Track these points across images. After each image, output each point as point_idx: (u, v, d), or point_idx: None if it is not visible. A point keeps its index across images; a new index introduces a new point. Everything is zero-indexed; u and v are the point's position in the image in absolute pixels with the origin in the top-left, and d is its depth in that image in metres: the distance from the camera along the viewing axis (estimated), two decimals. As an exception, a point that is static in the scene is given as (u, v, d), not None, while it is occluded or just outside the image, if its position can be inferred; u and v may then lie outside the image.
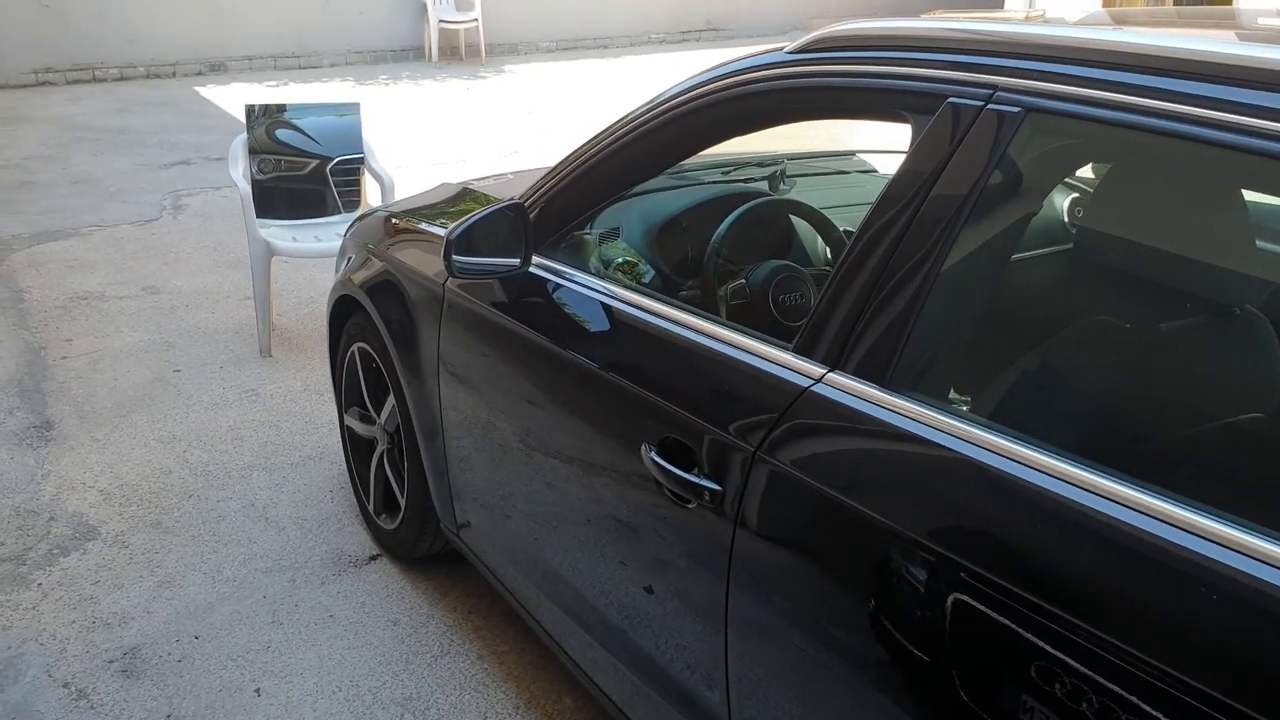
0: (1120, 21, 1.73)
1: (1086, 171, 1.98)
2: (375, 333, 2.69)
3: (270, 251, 4.14)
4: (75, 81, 9.77)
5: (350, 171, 4.65)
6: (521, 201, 2.13)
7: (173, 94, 9.43)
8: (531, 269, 2.10)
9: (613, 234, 2.27)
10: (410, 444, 2.63)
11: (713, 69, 1.90)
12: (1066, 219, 2.24)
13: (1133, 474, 1.14)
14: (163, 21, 10.03)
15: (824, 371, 1.48)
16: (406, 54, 11.14)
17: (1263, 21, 1.65)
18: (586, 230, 2.21)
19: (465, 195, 2.87)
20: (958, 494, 1.28)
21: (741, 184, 2.53)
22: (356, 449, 3.05)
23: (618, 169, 2.04)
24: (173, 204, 6.23)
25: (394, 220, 2.82)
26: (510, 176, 3.29)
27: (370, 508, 2.97)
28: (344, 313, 2.94)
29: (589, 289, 1.99)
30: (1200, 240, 1.52)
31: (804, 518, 1.45)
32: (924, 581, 1.26)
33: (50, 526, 3.04)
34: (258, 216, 4.41)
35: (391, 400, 2.72)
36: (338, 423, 3.16)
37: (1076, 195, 2.25)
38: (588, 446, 1.90)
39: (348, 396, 3.04)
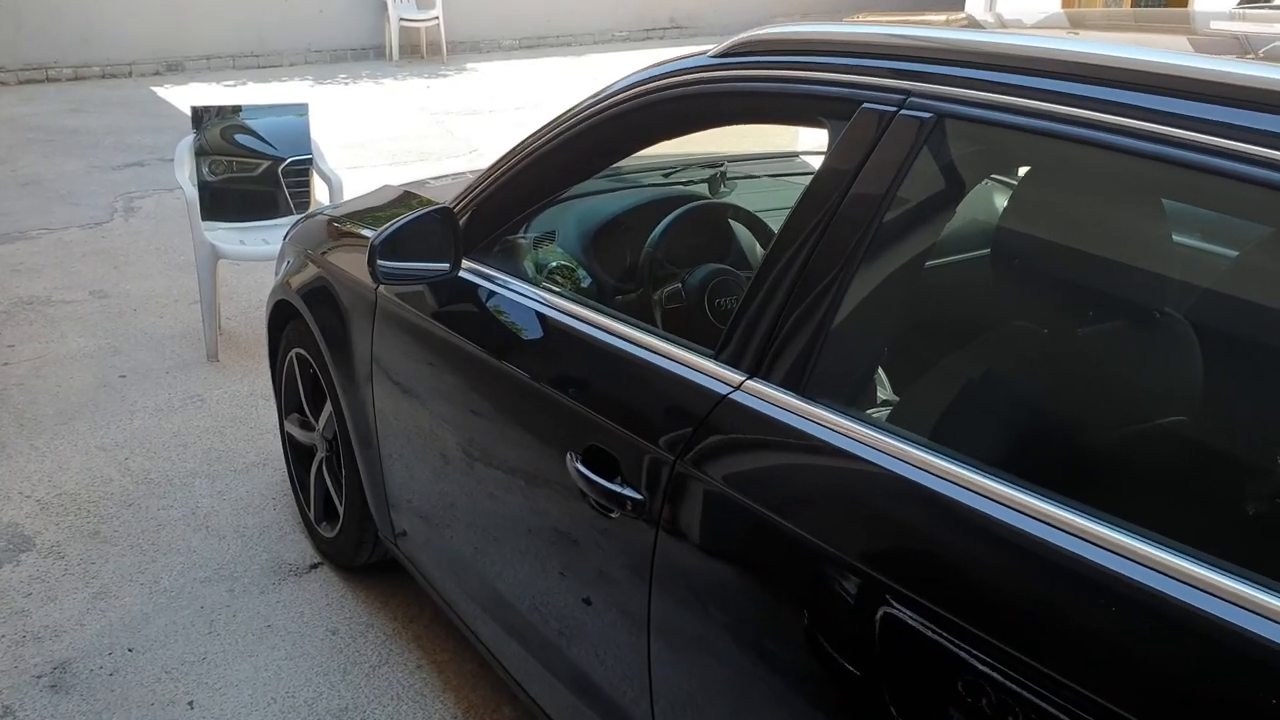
0: (1076, 24, 1.73)
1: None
2: (312, 339, 2.65)
3: (216, 255, 4.08)
4: (28, 81, 9.62)
5: (299, 174, 4.60)
6: (451, 206, 2.10)
7: (129, 94, 9.31)
8: (462, 274, 2.07)
9: (548, 238, 2.25)
10: (347, 451, 2.59)
11: (642, 71, 1.88)
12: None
13: (1051, 483, 1.13)
14: (119, 20, 9.90)
15: (743, 379, 1.46)
16: (367, 53, 11.05)
17: (1215, 25, 1.64)
18: (520, 234, 2.18)
19: (406, 199, 2.84)
20: (867, 503, 1.26)
21: (680, 187, 2.52)
22: (297, 455, 3.01)
23: (551, 171, 2.02)
24: (124, 206, 6.14)
25: (333, 223, 2.78)
26: (450, 179, 3.26)
27: (310, 515, 2.93)
28: (283, 317, 2.90)
29: (520, 295, 1.97)
30: (1118, 244, 1.52)
31: (723, 527, 1.43)
32: (838, 591, 1.24)
33: (-16, 538, 2.98)
34: (208, 219, 4.35)
35: (329, 407, 2.69)
36: (279, 428, 3.12)
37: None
38: (519, 455, 1.88)
39: (287, 402, 3.00)
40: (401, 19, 10.73)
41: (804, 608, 1.29)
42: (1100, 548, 1.05)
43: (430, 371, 2.14)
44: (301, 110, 4.47)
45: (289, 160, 4.56)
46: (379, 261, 1.98)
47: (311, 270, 2.70)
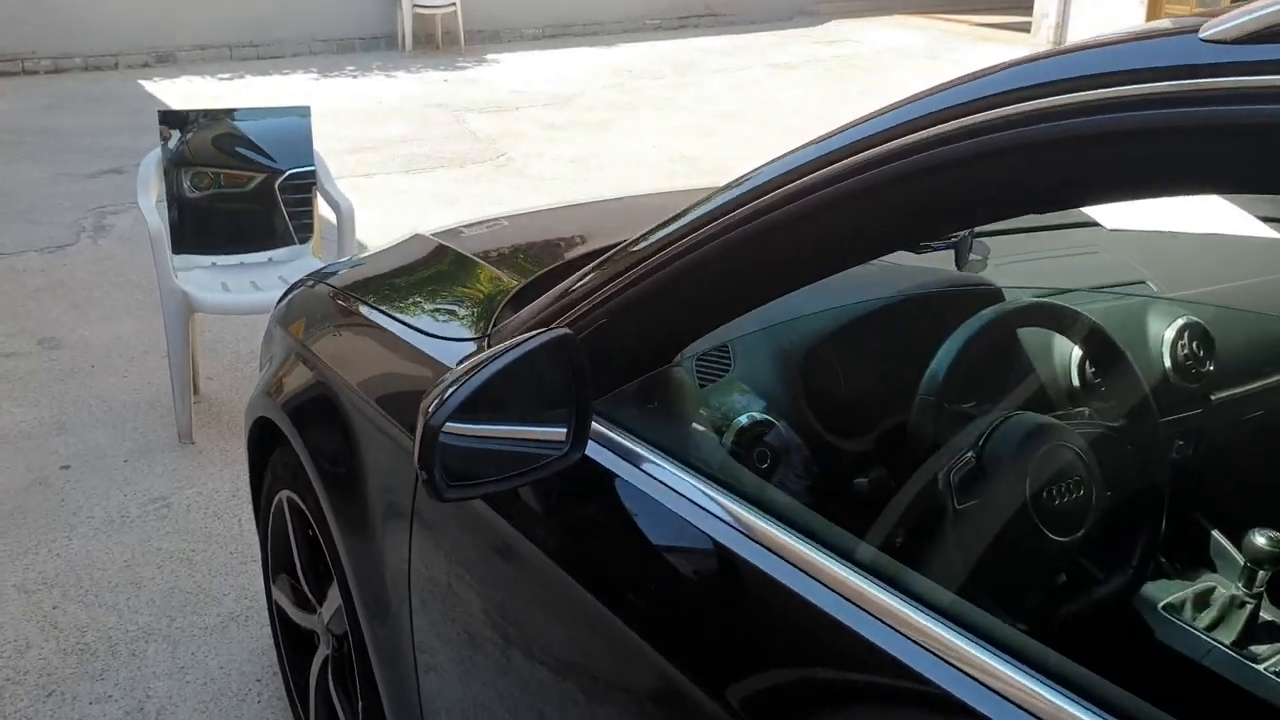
0: None
1: None
2: (309, 485, 1.69)
3: (190, 307, 3.12)
4: (2, 74, 8.64)
5: (300, 190, 3.63)
6: (567, 331, 1.12)
7: (113, 88, 8.32)
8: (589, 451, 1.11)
9: (716, 367, 1.28)
10: (364, 661, 1.63)
11: (964, 81, 0.92)
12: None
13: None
14: (104, 6, 8.91)
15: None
16: (378, 42, 10.05)
17: None
18: (674, 367, 1.21)
19: (454, 263, 1.86)
20: None
21: (911, 265, 1.53)
22: (289, 639, 2.04)
23: (746, 268, 1.05)
24: (94, 224, 5.18)
25: (341, 299, 1.82)
26: (505, 223, 2.28)
27: (310, 732, 1.96)
28: (268, 439, 1.93)
29: (682, 493, 1.03)
30: None
31: None
32: None
33: None
34: (182, 251, 3.40)
35: (337, 592, 1.72)
36: (265, 594, 2.16)
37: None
38: None
39: (275, 559, 2.03)
40: (416, 5, 9.73)
41: None
42: None
43: (515, 593, 1.19)
44: (303, 112, 3.50)
45: (288, 173, 3.60)
46: (437, 466, 1.01)
47: (306, 375, 1.74)
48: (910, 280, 1.36)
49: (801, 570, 0.92)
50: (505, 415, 1.07)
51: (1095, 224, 1.72)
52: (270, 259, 3.54)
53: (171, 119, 3.41)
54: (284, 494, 1.87)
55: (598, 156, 6.46)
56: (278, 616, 2.06)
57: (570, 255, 1.75)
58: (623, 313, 1.13)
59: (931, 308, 1.33)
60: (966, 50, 9.89)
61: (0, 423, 3.29)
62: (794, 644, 0.94)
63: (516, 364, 1.03)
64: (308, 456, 1.65)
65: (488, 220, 2.26)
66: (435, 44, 10.03)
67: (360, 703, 1.67)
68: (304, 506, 1.77)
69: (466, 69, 9.22)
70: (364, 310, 1.70)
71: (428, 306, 1.66)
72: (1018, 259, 1.53)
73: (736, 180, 1.10)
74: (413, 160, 6.33)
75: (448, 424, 1.00)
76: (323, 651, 1.87)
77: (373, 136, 6.82)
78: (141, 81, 8.59)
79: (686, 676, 0.97)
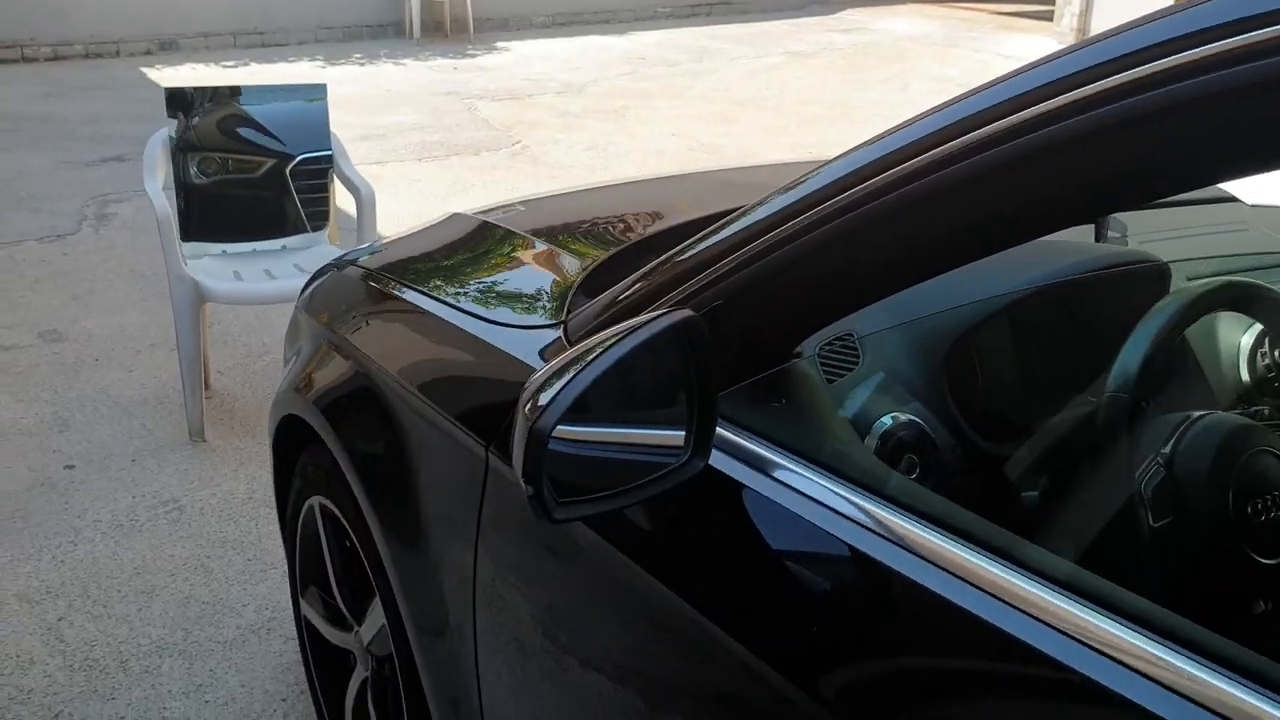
0: None
1: None
2: (348, 490, 1.51)
3: (201, 296, 2.92)
4: (0, 61, 8.44)
5: (314, 175, 3.44)
6: (690, 312, 0.93)
7: (114, 76, 8.12)
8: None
9: (845, 360, 1.08)
10: (414, 687, 1.45)
11: (1137, 25, 0.73)
12: None
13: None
14: (105, -8, 8.72)
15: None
16: (384, 30, 9.85)
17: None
18: (798, 358, 1.01)
19: (506, 242, 1.67)
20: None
21: (1054, 242, 1.33)
22: (320, 656, 1.86)
23: (894, 243, 0.86)
24: (96, 213, 4.98)
25: (375, 282, 1.63)
26: (548, 203, 2.09)
27: (345, 763, 1.78)
28: (295, 439, 1.75)
29: (825, 503, 0.85)
30: None
31: None
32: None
33: None
34: (190, 239, 3.21)
35: (379, 610, 1.53)
36: (293, 607, 1.97)
37: None
38: None
39: (303, 571, 1.84)
40: (423, -8, 9.53)
41: None
42: None
43: (609, 619, 1.01)
44: (316, 93, 3.31)
45: (299, 158, 3.42)
46: (552, 470, 0.83)
47: (343, 368, 1.56)
48: (1060, 258, 1.17)
49: (979, 587, 0.74)
50: (616, 416, 0.89)
51: (1233, 199, 1.53)
52: (284, 246, 3.35)
53: (179, 97, 3.21)
54: (315, 500, 1.68)
55: (615, 145, 6.26)
56: (307, 633, 1.87)
57: (639, 234, 1.56)
58: (745, 293, 0.94)
59: (1092, 290, 1.14)
60: (987, 39, 9.69)
61: (0, 419, 3.10)
62: (972, 669, 0.76)
63: (635, 354, 0.84)
64: (346, 458, 1.46)
65: (527, 200, 2.07)
66: (444, 32, 9.83)
67: (407, 734, 1.48)
68: (339, 514, 1.58)
69: (476, 56, 9.02)
70: (409, 295, 1.51)
71: (484, 290, 1.47)
72: (1160, 237, 1.34)
73: (873, 140, 0.91)
74: (426, 148, 6.13)
75: (558, 427, 0.81)
76: (361, 673, 1.69)
77: (383, 124, 6.62)
78: (144, 69, 8.39)
79: (831, 714, 0.79)
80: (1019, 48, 9.06)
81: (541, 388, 0.83)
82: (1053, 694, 0.72)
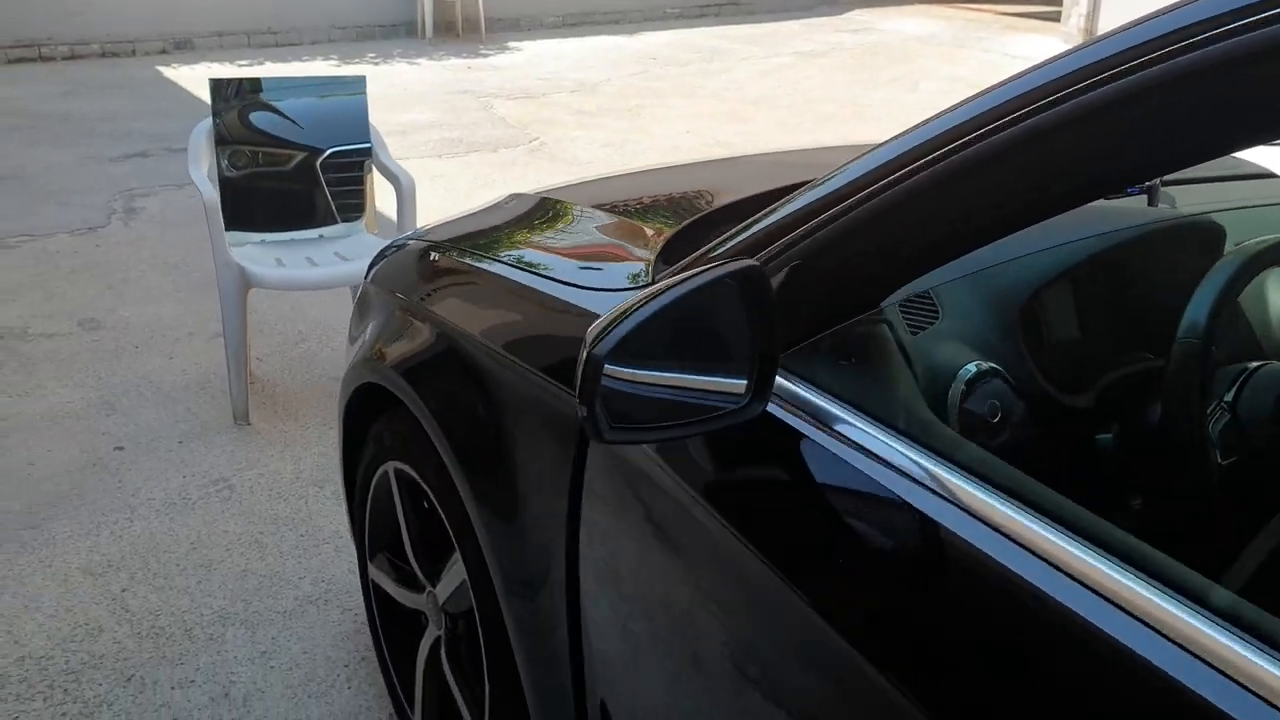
0: None
1: None
2: (428, 451, 1.58)
3: (246, 282, 3.00)
4: (18, 60, 8.52)
5: (348, 168, 3.52)
6: (753, 262, 1.00)
7: (130, 74, 8.20)
8: (772, 407, 1.00)
9: (925, 319, 1.15)
10: (496, 639, 1.52)
11: None
12: None
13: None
14: (120, -8, 8.79)
15: None
16: (396, 30, 9.93)
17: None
18: (878, 318, 1.08)
19: (575, 216, 1.74)
20: None
21: (1110, 205, 1.40)
22: (388, 621, 1.93)
23: (970, 199, 0.93)
24: (124, 206, 5.06)
25: (454, 258, 1.70)
26: (601, 184, 2.16)
27: (415, 719, 1.85)
28: (368, 410, 1.82)
29: (889, 460, 0.91)
30: None
31: None
32: None
33: (-102, 749, 1.91)
34: (231, 228, 3.28)
35: (457, 566, 1.60)
36: (356, 562, 2.04)
37: None
38: None
39: (373, 538, 1.91)
40: (435, -8, 9.61)
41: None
42: None
43: (694, 578, 1.07)
44: (356, 86, 3.39)
45: (339, 149, 3.49)
46: (607, 397, 0.91)
47: (423, 336, 1.63)
48: (1119, 219, 1.24)
49: (1043, 559, 0.78)
50: (679, 358, 0.96)
51: (1273, 174, 1.61)
52: (320, 235, 3.42)
53: (223, 88, 3.28)
54: (390, 466, 1.75)
55: (631, 142, 6.34)
56: (375, 598, 1.94)
57: (713, 205, 1.64)
58: (822, 253, 1.01)
59: (1151, 248, 1.21)
60: (994, 39, 9.78)
61: (48, 403, 3.17)
62: (1020, 640, 0.79)
63: (694, 296, 0.92)
64: (431, 420, 1.53)
65: (583, 182, 2.14)
66: (455, 31, 9.91)
67: (489, 687, 1.55)
68: (419, 477, 1.65)
69: (489, 56, 9.10)
70: (486, 264, 1.58)
71: (563, 256, 1.54)
72: (1209, 209, 1.41)
73: (954, 107, 0.98)
74: (445, 145, 6.21)
75: (613, 361, 0.89)
76: (433, 632, 1.76)
77: (401, 122, 6.70)
78: (159, 67, 8.47)
79: (875, 666, 0.84)
80: (1026, 48, 9.15)
81: (604, 324, 0.91)
82: (1109, 671, 0.72)
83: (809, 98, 7.60)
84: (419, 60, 8.84)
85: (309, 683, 2.08)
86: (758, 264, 0.99)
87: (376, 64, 8.68)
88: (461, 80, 8.08)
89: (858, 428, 0.95)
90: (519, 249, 1.63)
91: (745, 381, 0.97)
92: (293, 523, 2.61)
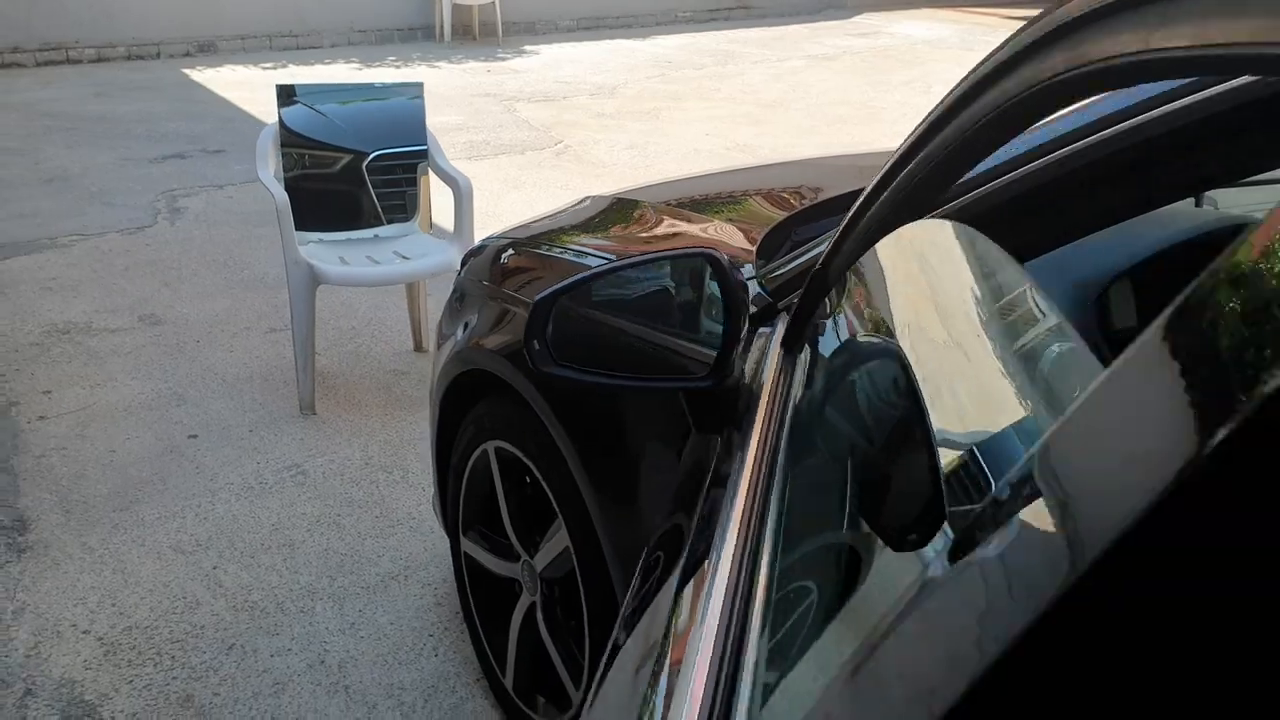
0: None
1: None
2: (532, 430, 1.73)
3: (315, 279, 3.15)
4: (46, 63, 8.68)
5: (396, 170, 3.67)
6: (711, 250, 1.17)
7: (157, 76, 8.36)
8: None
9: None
10: (600, 605, 1.67)
11: None
12: None
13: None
14: (144, -4, 8.95)
15: None
16: (415, 33, 10.10)
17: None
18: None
19: (640, 212, 1.90)
20: None
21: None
22: (479, 590, 2.08)
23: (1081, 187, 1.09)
24: (168, 206, 5.21)
25: (548, 251, 1.86)
26: (670, 186, 2.31)
27: (508, 682, 2.00)
28: (464, 396, 1.98)
29: None
30: None
31: None
32: None
33: (24, 708, 2.06)
34: (295, 228, 3.43)
35: (558, 533, 1.75)
36: (438, 532, 2.20)
37: None
38: None
39: (468, 513, 2.07)
40: (453, -3, 9.77)
41: None
42: None
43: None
44: (415, 91, 3.54)
45: (373, 154, 3.64)
46: (560, 337, 1.15)
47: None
48: (1162, 222, 1.40)
49: None
50: (650, 322, 1.15)
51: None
52: (376, 235, 3.58)
53: (289, 92, 3.43)
54: (491, 445, 1.91)
55: (653, 144, 6.50)
56: (467, 568, 2.09)
57: (803, 204, 1.79)
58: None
59: (1196, 249, 1.37)
60: (1001, 43, 9.93)
61: (120, 394, 3.32)
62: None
63: (643, 266, 1.12)
64: (540, 400, 1.68)
65: (650, 185, 2.30)
66: (472, 35, 10.07)
67: (589, 645, 1.71)
68: (521, 454, 1.81)
69: (507, 60, 9.26)
70: (580, 259, 1.74)
71: (649, 248, 1.70)
72: (1253, 210, 1.57)
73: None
74: (473, 147, 6.36)
75: (567, 303, 1.11)
76: (527, 599, 1.92)
77: (429, 125, 6.83)
78: (185, 70, 8.63)
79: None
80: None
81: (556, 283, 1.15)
82: None
83: (823, 100, 7.76)
84: (439, 64, 9.00)
85: (398, 650, 2.24)
86: (716, 251, 1.16)
87: (397, 67, 8.84)
88: (482, 83, 8.24)
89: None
90: (607, 241, 1.79)
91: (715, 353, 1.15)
92: (366, 505, 2.76)
